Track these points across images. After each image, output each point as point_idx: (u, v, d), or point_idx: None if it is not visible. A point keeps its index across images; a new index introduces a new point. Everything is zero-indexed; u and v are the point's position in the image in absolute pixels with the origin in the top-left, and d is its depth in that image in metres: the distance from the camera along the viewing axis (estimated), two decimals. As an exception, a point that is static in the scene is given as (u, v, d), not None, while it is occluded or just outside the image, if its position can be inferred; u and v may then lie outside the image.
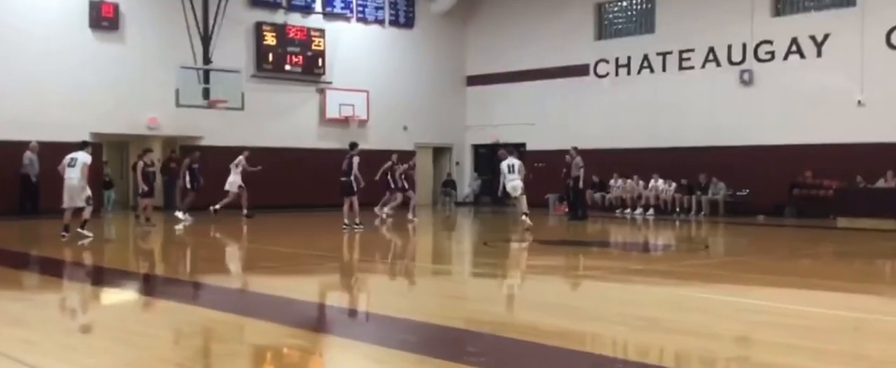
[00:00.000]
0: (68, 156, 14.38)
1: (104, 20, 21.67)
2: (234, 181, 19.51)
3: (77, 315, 7.82)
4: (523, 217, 16.66)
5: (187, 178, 19.16)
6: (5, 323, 7.00)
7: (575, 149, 20.61)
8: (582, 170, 20.11)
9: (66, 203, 14.16)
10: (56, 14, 21.16)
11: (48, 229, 16.97)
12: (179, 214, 18.61)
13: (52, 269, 11.23)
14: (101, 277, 10.75)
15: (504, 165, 17.15)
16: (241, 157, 19.74)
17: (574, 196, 20.66)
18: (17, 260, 12.02)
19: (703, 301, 8.45)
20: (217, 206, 19.11)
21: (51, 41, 20.94)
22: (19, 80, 20.46)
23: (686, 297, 8.65)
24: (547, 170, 23.85)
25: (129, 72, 21.89)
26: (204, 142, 22.90)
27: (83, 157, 14.17)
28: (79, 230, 13.94)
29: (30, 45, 20.68)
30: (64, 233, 13.92)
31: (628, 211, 23.38)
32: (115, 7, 21.77)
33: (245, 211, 19.25)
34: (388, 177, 20.14)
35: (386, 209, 20.19)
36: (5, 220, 18.35)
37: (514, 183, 16.87)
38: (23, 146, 20.03)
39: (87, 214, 14.22)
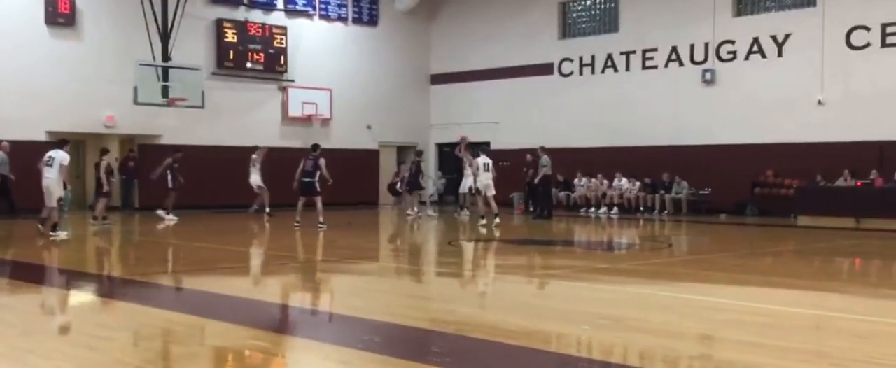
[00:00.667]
0: (46, 155, 14.13)
1: (60, 16, 21.26)
2: (255, 180, 19.68)
3: (33, 317, 7.62)
4: (495, 217, 17.29)
5: (169, 177, 18.94)
6: (-44, 327, 6.80)
7: (542, 148, 20.66)
8: (546, 170, 20.15)
9: (48, 202, 14.02)
10: (11, 10, 20.72)
11: (6, 229, 16.63)
12: (162, 212, 18.48)
13: (8, 271, 10.96)
14: (58, 278, 10.51)
15: (480, 161, 17.54)
16: (254, 156, 19.81)
17: (540, 195, 20.71)
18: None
19: (666, 299, 8.47)
20: (259, 208, 19.50)
21: (5, 37, 20.51)
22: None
23: (650, 296, 8.67)
24: (511, 168, 23.85)
25: (85, 69, 21.51)
26: (163, 141, 22.60)
27: (61, 156, 13.94)
28: (49, 232, 13.79)
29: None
30: (53, 233, 13.90)
31: (593, 209, 23.49)
32: (72, 3, 21.37)
33: (267, 210, 19.39)
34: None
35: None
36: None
37: (488, 180, 17.21)
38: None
39: (55, 216, 14.00)
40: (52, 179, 13.82)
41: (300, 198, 17.21)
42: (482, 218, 17.74)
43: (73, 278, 10.37)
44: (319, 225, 16.30)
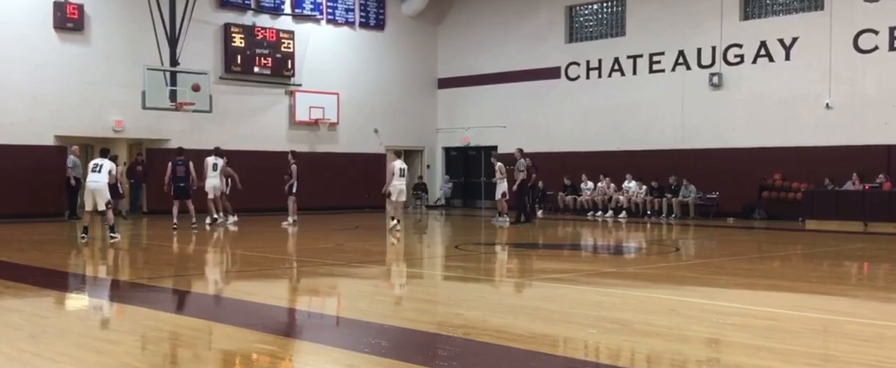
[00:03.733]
0: (93, 162, 14.76)
1: (69, 21, 21.36)
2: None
3: (41, 320, 7.65)
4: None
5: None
6: (-35, 330, 6.84)
7: (520, 150, 20.50)
8: (524, 174, 19.99)
9: (89, 206, 14.46)
10: (20, 15, 20.82)
11: (17, 233, 16.70)
12: (221, 216, 19.01)
13: (18, 274, 11.01)
14: (66, 282, 10.55)
15: (397, 166, 17.91)
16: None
17: (518, 199, 20.47)
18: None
19: (673, 303, 8.46)
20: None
21: (14, 43, 20.60)
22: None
23: (657, 300, 8.66)
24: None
25: (94, 73, 21.60)
26: (171, 145, 22.64)
27: (108, 165, 14.57)
28: (109, 234, 14.37)
29: (-7, 47, 20.34)
30: (83, 235, 14.34)
31: (599, 213, 23.46)
32: (80, 8, 21.46)
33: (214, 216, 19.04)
34: None
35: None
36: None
37: (402, 186, 17.93)
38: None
39: (110, 218, 14.48)
40: (100, 183, 14.24)
41: (174, 202, 17.98)
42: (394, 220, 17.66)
43: (80, 281, 10.40)
44: (193, 226, 17.42)
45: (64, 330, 7.25)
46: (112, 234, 14.33)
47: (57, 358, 5.80)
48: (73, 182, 20.35)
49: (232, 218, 19.14)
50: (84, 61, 21.59)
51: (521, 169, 19.97)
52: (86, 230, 14.52)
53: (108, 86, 21.65)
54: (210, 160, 18.74)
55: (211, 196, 18.70)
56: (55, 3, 21.15)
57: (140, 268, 12.25)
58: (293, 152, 19.61)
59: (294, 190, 18.97)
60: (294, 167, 18.89)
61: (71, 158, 20.44)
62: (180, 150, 18.18)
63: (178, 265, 12.60)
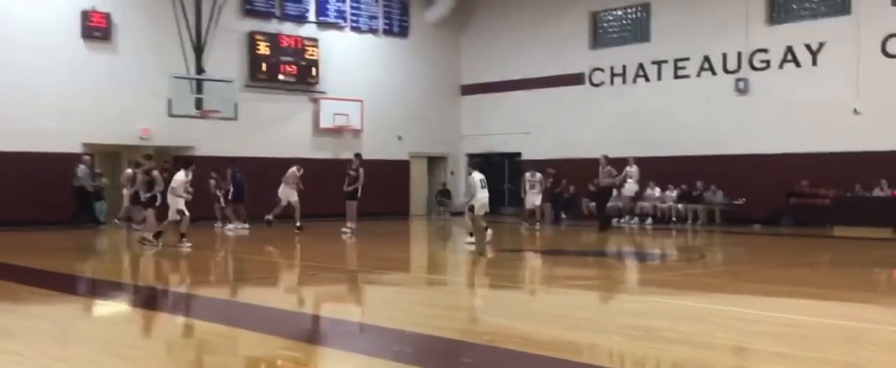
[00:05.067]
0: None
1: (96, 30, 21.58)
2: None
3: (68, 326, 7.73)
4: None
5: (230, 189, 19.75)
6: (-6, 336, 6.92)
7: (605, 156, 20.76)
8: (613, 180, 20.61)
9: (170, 215, 15.22)
10: (48, 24, 21.06)
11: (45, 239, 16.89)
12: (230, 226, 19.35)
13: (47, 281, 11.13)
14: (94, 289, 10.65)
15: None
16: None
17: (599, 206, 20.95)
18: (16, 272, 11.90)
19: (700, 310, 8.40)
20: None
21: (42, 52, 20.82)
22: (11, 90, 20.33)
23: (683, 307, 8.60)
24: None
25: (121, 81, 21.79)
26: (196, 152, 22.80)
27: (179, 175, 15.27)
28: (177, 242, 14.82)
29: (21, 56, 20.53)
30: (152, 240, 14.94)
31: (625, 220, 23.32)
32: (107, 17, 21.68)
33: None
34: None
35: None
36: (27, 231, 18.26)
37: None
38: (12, 157, 19.96)
39: (183, 227, 15.04)
40: (176, 190, 15.08)
41: (232, 205, 18.94)
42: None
43: (107, 288, 10.50)
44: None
45: (90, 336, 7.31)
46: (181, 243, 14.74)
47: (83, 364, 5.85)
48: (91, 189, 20.48)
49: (232, 226, 19.49)
50: (111, 70, 21.79)
51: (613, 175, 20.35)
52: (158, 235, 15.03)
53: (135, 95, 21.84)
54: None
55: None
56: (82, 12, 21.39)
57: (166, 274, 12.34)
58: (358, 155, 19.60)
59: (358, 195, 18.54)
60: (361, 171, 18.46)
61: (81, 167, 20.47)
62: (233, 160, 18.62)
63: (204, 271, 12.68)
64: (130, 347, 6.62)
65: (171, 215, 15.19)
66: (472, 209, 15.62)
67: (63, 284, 10.96)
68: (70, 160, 20.57)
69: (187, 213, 15.17)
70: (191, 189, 15.56)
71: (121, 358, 6.13)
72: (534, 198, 20.51)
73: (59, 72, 21.03)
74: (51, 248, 15.44)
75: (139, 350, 6.49)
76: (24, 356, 6.02)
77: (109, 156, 22.80)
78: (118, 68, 21.86)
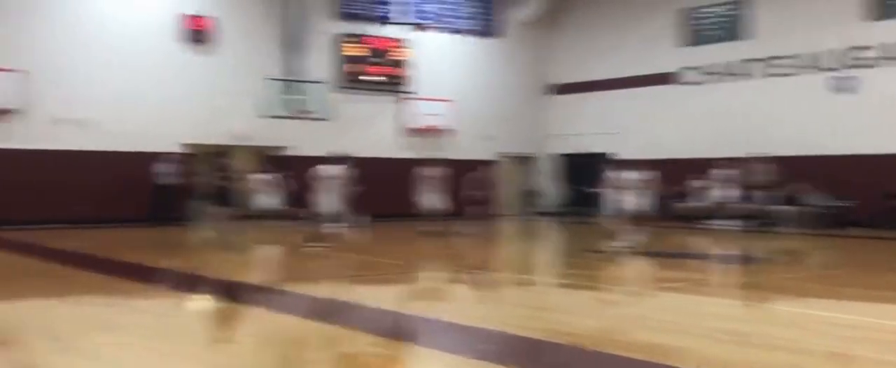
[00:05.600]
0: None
1: (194, 33, 22.34)
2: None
3: (170, 321, 8.04)
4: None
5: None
6: (100, 329, 7.26)
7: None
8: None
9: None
10: (148, 28, 21.89)
11: (146, 236, 17.56)
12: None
13: (149, 276, 11.59)
14: (193, 284, 11.03)
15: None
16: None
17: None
18: (121, 268, 12.43)
19: (795, 315, 8.17)
20: None
21: (144, 55, 21.66)
22: (114, 93, 21.21)
23: (777, 312, 8.38)
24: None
25: (217, 83, 22.49)
26: (288, 153, 23.38)
27: (330, 169, 14.92)
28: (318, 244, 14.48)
29: (123, 59, 21.39)
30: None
31: (717, 221, 22.80)
32: (205, 20, 22.43)
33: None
34: None
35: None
36: (123, 228, 19.05)
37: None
38: (115, 156, 20.77)
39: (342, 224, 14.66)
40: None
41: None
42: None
43: (207, 284, 10.85)
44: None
45: (191, 330, 7.60)
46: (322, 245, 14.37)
47: (184, 357, 6.08)
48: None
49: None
50: (208, 71, 22.51)
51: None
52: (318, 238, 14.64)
53: (231, 96, 22.50)
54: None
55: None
56: (182, 17, 22.18)
57: (261, 271, 12.68)
58: (496, 159, 19.22)
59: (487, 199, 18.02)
60: (490, 178, 18.01)
61: (164, 165, 20.86)
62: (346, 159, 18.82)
63: (299, 268, 12.97)
64: (228, 342, 6.86)
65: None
66: (619, 210, 14.77)
67: (165, 279, 11.39)
68: (168, 160, 21.25)
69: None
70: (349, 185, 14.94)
71: (220, 353, 6.36)
72: (633, 200, 19.26)
73: (158, 74, 21.83)
74: (154, 245, 16.04)
75: (236, 345, 6.71)
76: (129, 349, 6.30)
77: (207, 156, 23.53)
78: (215, 70, 22.56)
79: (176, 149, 21.87)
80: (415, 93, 25.77)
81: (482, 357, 6.00)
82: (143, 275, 11.55)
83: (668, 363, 6.02)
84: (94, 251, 14.46)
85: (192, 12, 22.15)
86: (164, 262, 12.95)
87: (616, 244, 14.34)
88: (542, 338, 6.88)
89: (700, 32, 25.31)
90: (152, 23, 21.98)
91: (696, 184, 20.23)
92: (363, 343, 6.60)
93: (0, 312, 7.66)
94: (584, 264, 13.44)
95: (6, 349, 6.34)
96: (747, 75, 23.80)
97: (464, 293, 10.24)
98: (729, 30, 24.57)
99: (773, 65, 23.27)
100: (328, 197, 16.36)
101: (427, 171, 18.73)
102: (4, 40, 20.00)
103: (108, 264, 12.61)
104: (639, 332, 7.10)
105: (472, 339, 6.79)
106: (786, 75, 23.02)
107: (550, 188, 28.85)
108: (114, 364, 5.60)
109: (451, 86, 26.29)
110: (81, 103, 20.80)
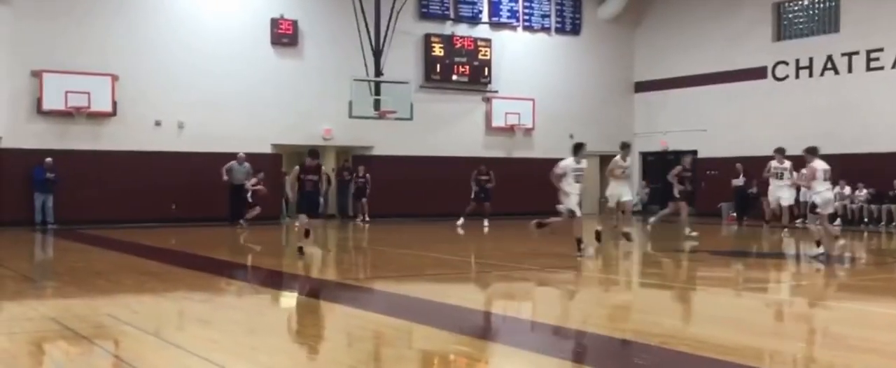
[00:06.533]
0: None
1: (284, 37, 22.84)
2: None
3: (258, 316, 8.24)
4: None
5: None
6: (194, 323, 7.52)
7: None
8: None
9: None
10: (239, 33, 22.47)
11: (247, 236, 18.02)
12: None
13: (238, 274, 11.91)
14: (280, 281, 11.28)
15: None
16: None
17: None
18: (213, 265, 12.81)
19: (892, 318, 7.87)
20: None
21: (235, 59, 22.26)
22: (206, 96, 21.85)
23: (874, 314, 8.09)
24: (719, 177, 22.97)
25: (306, 85, 22.96)
26: (373, 152, 23.68)
27: (568, 162, 13.35)
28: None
29: (216, 63, 22.04)
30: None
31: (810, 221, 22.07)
32: (294, 24, 22.90)
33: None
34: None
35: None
36: (203, 227, 19.64)
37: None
38: (207, 157, 21.34)
39: (576, 230, 13.24)
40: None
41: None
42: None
43: (291, 281, 11.09)
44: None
45: (278, 326, 7.78)
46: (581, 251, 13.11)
47: (272, 352, 6.23)
48: (247, 186, 20.55)
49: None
50: (297, 74, 22.99)
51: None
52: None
53: (319, 97, 22.93)
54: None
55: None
56: (271, 20, 22.69)
57: (345, 269, 12.87)
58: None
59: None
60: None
61: (235, 164, 20.93)
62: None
63: (381, 266, 13.12)
64: (314, 338, 7.00)
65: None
66: (813, 209, 13.14)
67: (253, 277, 11.69)
68: (258, 160, 21.73)
69: (579, 214, 13.30)
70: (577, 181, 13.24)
71: (305, 348, 6.50)
72: (780, 193, 17.97)
73: (249, 77, 22.39)
74: (241, 244, 16.45)
75: (322, 341, 6.84)
76: (219, 343, 6.49)
77: (294, 157, 24.02)
78: (303, 72, 23.03)
79: (268, 150, 22.41)
80: (497, 92, 25.76)
81: (567, 357, 5.96)
82: (235, 273, 11.87)
83: (762, 365, 5.86)
84: (187, 249, 14.93)
85: (278, 16, 22.67)
86: (253, 261, 13.26)
87: (815, 251, 12.98)
88: (629, 339, 6.79)
89: (795, 26, 24.57)
90: (243, 27, 22.55)
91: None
92: (447, 341, 6.63)
93: (106, 308, 7.99)
94: (669, 263, 13.18)
95: (111, 344, 6.61)
96: (845, 69, 22.99)
97: (548, 292, 10.18)
98: (825, 22, 23.78)
99: (871, 58, 22.44)
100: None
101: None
102: (99, 45, 20.80)
103: (202, 261, 13.00)
104: (729, 333, 6.94)
105: (555, 338, 6.74)
106: (883, 69, 22.17)
107: (635, 187, 28.41)
108: (207, 359, 5.78)
109: (533, 84, 26.19)
110: (172, 107, 21.52)
